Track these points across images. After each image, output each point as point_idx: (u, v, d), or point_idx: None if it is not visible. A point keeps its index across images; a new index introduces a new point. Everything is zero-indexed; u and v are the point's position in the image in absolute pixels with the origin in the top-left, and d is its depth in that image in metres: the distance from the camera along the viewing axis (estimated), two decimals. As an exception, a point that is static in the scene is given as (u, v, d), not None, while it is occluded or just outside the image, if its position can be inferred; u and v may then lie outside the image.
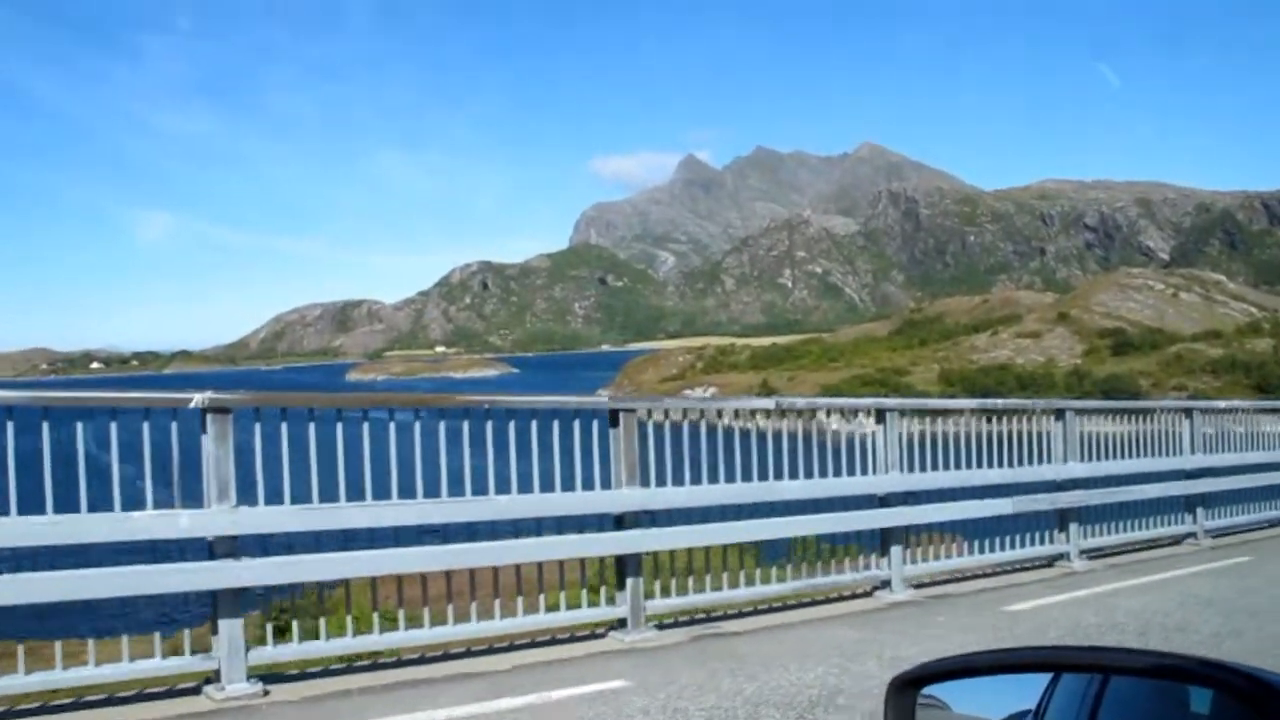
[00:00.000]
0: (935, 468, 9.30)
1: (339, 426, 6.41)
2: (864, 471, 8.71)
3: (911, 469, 9.07)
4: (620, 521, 7.33)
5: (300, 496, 6.23)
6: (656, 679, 6.23)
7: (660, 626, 7.69)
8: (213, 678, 6.02)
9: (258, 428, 6.26)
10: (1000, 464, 9.85)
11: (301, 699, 6.03)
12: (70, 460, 5.65)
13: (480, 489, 6.79)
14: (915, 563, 9.25)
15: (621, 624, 7.38)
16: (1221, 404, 13.14)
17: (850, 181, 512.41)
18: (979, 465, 9.64)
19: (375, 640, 6.59)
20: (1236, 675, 1.35)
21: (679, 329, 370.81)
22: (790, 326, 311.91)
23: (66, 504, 5.53)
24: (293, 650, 6.35)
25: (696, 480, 7.72)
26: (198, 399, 5.98)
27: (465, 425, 6.82)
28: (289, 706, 5.89)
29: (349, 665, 6.80)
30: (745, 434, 8.12)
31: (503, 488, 6.90)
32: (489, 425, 6.93)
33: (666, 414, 7.77)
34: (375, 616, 6.58)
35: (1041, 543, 10.46)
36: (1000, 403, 10.15)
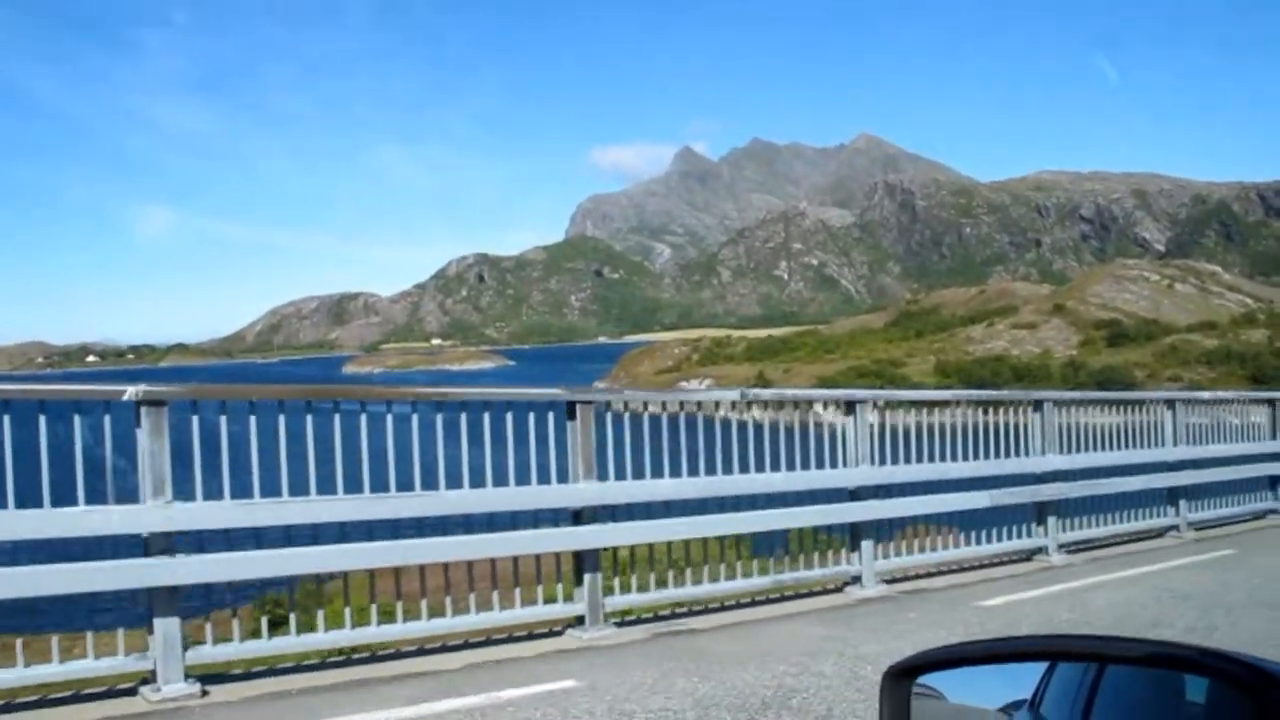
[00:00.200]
0: (909, 460, 9.09)
1: (281, 419, 6.20)
2: (833, 464, 8.50)
3: (884, 461, 8.86)
4: (578, 516, 7.13)
5: (260, 491, 6.05)
6: (608, 679, 6.03)
7: (620, 624, 7.49)
8: (149, 678, 5.82)
9: (195, 421, 6.05)
10: (976, 456, 9.64)
11: (241, 699, 5.83)
12: None
13: (430, 484, 6.58)
14: (888, 557, 9.04)
15: (580, 621, 7.18)
16: (1205, 394, 12.93)
17: (846, 173, 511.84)
18: (954, 458, 9.42)
19: (320, 639, 6.37)
20: (1234, 663, 1.34)
21: (675, 321, 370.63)
22: (786, 318, 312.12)
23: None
24: (233, 650, 6.14)
25: (658, 474, 7.50)
26: (131, 391, 5.76)
27: (414, 419, 6.61)
28: (226, 708, 5.69)
29: (297, 665, 6.59)
30: (727, 425, 7.92)
31: (456, 483, 6.68)
32: (439, 418, 6.71)
33: (645, 406, 7.58)
34: (319, 615, 6.37)
35: (1019, 536, 10.26)
36: (976, 394, 9.97)
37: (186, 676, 5.81)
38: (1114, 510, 11.43)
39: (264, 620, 6.14)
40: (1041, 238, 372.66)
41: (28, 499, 5.48)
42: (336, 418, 6.38)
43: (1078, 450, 10.89)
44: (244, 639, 6.19)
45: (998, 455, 9.84)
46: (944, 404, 9.45)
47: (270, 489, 6.12)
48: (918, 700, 1.63)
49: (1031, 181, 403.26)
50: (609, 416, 7.39)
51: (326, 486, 6.25)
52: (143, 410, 5.78)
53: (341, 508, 6.21)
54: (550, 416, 7.10)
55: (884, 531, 9.13)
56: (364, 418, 6.45)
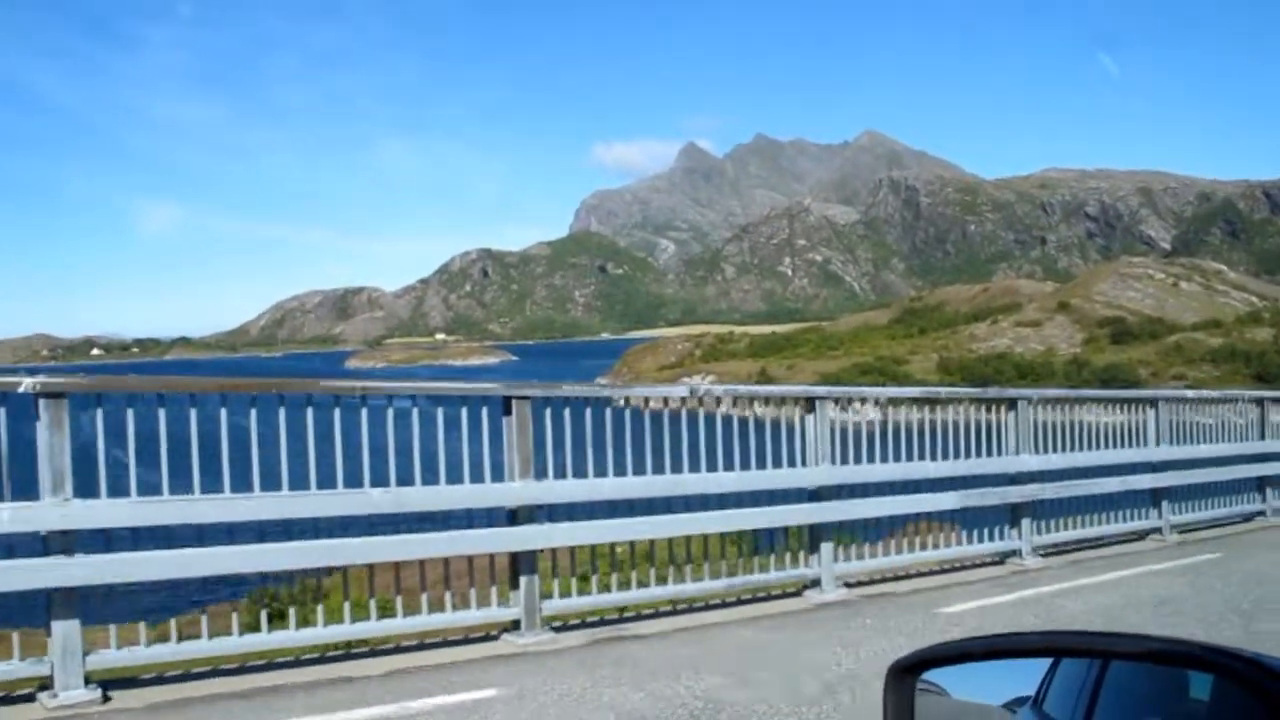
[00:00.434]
0: (873, 460, 8.74)
1: (192, 413, 5.89)
2: (792, 464, 8.15)
3: (846, 461, 8.52)
4: (514, 516, 6.80)
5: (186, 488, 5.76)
6: (532, 688, 5.71)
7: (558, 629, 7.16)
8: (47, 683, 5.51)
9: (100, 414, 5.73)
10: (946, 456, 9.28)
11: (145, 706, 5.52)
12: None
13: (354, 481, 6.25)
14: (849, 560, 8.70)
15: (516, 626, 6.85)
16: (1190, 393, 12.56)
17: (851, 170, 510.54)
18: (922, 457, 9.07)
19: (235, 643, 6.06)
20: (1238, 660, 1.33)
21: (679, 317, 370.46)
22: (790, 315, 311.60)
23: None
24: (139, 655, 5.82)
25: (621, 472, 7.17)
26: (28, 383, 5.45)
27: (336, 413, 6.28)
28: (125, 715, 5.38)
29: (215, 669, 6.27)
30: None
31: (383, 480, 6.36)
32: (364, 413, 6.39)
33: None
34: (234, 618, 6.05)
35: (992, 539, 9.91)
36: (945, 391, 9.60)
37: (87, 682, 5.50)
38: (1094, 512, 11.08)
39: (112, 629, 5.75)
40: (1046, 235, 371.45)
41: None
42: (254, 414, 6.06)
43: (1057, 450, 10.54)
44: (150, 643, 5.87)
45: (969, 455, 9.48)
46: (909, 401, 9.10)
47: (212, 486, 5.83)
48: (921, 697, 1.62)
49: (1036, 179, 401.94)
50: (554, 413, 7.04)
51: (270, 482, 5.97)
52: (41, 403, 5.47)
53: (259, 505, 5.88)
54: (485, 412, 6.77)
55: (848, 533, 8.80)
56: (282, 412, 6.13)
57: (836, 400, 8.51)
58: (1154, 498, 11.65)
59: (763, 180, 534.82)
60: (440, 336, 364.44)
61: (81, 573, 5.45)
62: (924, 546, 9.37)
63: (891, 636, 6.93)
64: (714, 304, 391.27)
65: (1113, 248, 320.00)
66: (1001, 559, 10.09)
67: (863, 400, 9.14)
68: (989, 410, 9.85)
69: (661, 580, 7.61)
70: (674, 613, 7.88)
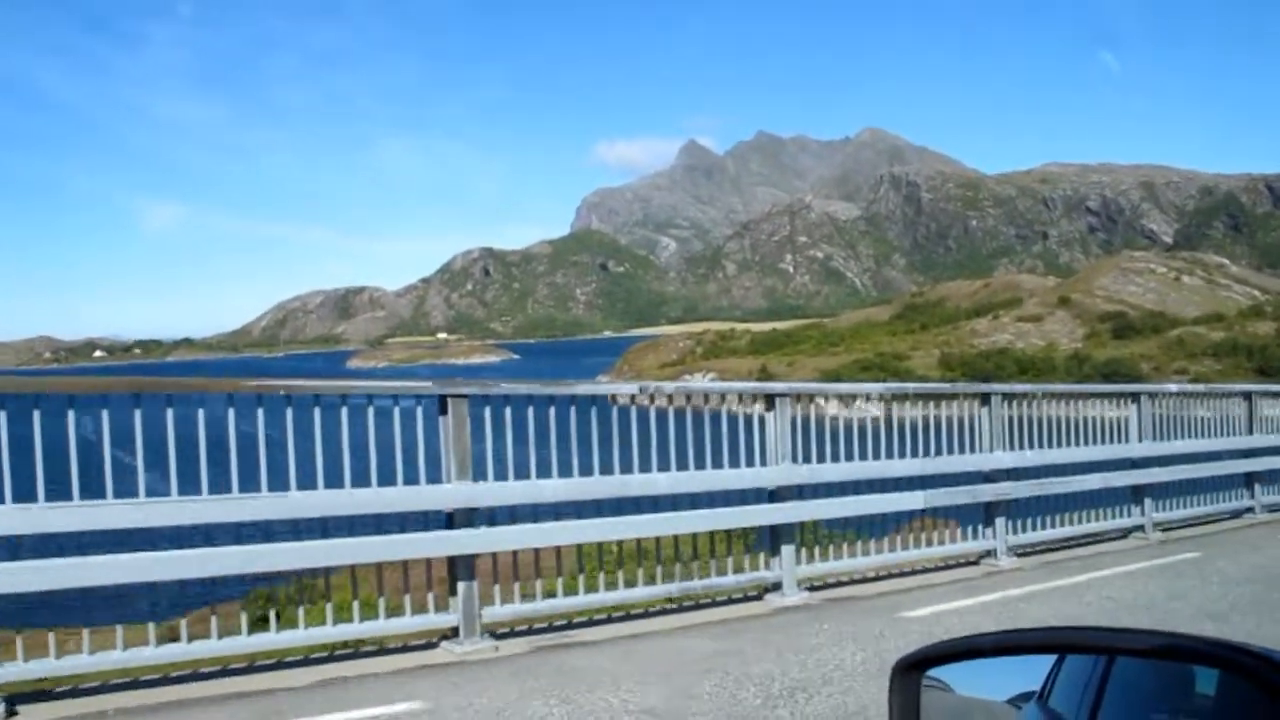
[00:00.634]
0: (839, 458, 8.43)
1: (136, 415, 5.64)
2: (750, 463, 7.86)
3: (808, 459, 8.22)
4: (451, 520, 6.52)
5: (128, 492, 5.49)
6: (456, 700, 5.43)
7: (503, 636, 6.89)
8: (-48, 700, 5.24)
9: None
10: (916, 454, 8.98)
11: (53, 720, 5.27)
12: None
13: (280, 484, 5.97)
14: (813, 562, 8.41)
15: (455, 633, 6.57)
16: (1173, 387, 12.24)
17: (852, 166, 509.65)
18: (889, 455, 8.77)
19: (152, 654, 5.77)
20: (1246, 655, 1.32)
21: (681, 314, 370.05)
22: (792, 311, 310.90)
23: None
24: (53, 666, 5.55)
25: (546, 474, 6.89)
26: None
27: (260, 413, 6.01)
28: (29, 732, 5.13)
29: (134, 680, 5.99)
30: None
31: (310, 482, 6.08)
32: (289, 412, 6.10)
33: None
34: (150, 628, 5.78)
35: (965, 539, 9.62)
36: (913, 387, 9.30)
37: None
38: (1073, 510, 10.78)
39: (18, 641, 5.43)
40: (1048, 230, 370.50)
41: None
42: (170, 414, 5.78)
43: (1033, 447, 10.24)
44: (60, 656, 5.58)
45: (939, 452, 9.19)
46: (875, 397, 8.81)
47: (130, 491, 5.55)
48: (927, 693, 1.61)
49: (1038, 174, 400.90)
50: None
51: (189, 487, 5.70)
52: None
53: (170, 511, 5.59)
54: (420, 411, 6.49)
55: (811, 534, 8.51)
56: (201, 414, 5.85)
57: (797, 397, 8.22)
58: (1136, 495, 11.35)
59: (764, 177, 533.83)
60: (442, 335, 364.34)
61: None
62: (893, 547, 9.07)
63: (846, 644, 6.64)
64: (715, 301, 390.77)
65: (1114, 242, 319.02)
66: (976, 559, 9.81)
67: (825, 397, 8.84)
68: (960, 406, 9.57)
69: (611, 585, 7.32)
70: (628, 618, 7.61)
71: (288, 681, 5.94)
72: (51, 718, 5.31)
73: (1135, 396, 11.41)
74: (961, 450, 9.42)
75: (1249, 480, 12.83)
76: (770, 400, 7.96)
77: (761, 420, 7.97)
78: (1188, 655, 1.43)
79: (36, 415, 5.34)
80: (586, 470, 7.05)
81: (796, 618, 7.57)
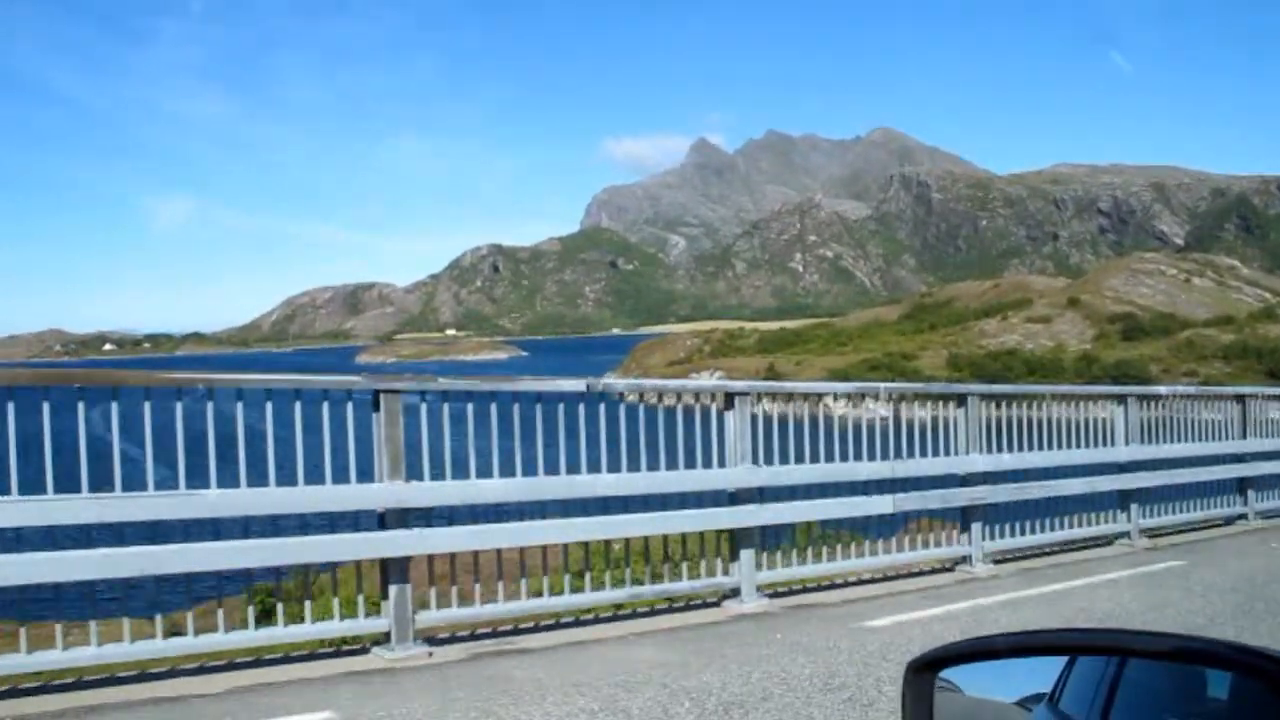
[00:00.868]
0: (803, 460, 8.11)
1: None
2: (707, 464, 7.55)
3: (771, 461, 7.90)
4: (382, 520, 6.23)
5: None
6: (373, 709, 5.13)
7: (441, 641, 6.60)
8: None
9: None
10: (887, 456, 8.65)
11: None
12: None
13: (200, 482, 5.69)
14: (775, 568, 8.09)
15: (388, 639, 6.28)
16: (1163, 389, 11.87)
17: (862, 165, 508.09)
18: (857, 457, 8.45)
19: (57, 658, 5.49)
20: (1260, 658, 1.31)
21: (689, 313, 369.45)
22: (801, 310, 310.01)
23: None
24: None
25: (488, 473, 6.59)
26: None
27: (179, 407, 5.72)
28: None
29: (43, 685, 5.71)
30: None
31: (232, 480, 5.79)
32: (210, 407, 5.82)
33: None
34: (58, 630, 5.49)
35: (939, 544, 9.29)
36: (884, 386, 8.96)
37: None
38: (1057, 515, 10.44)
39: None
40: (1058, 231, 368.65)
41: None
42: (81, 407, 5.50)
43: (1014, 450, 9.91)
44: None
45: (910, 454, 8.86)
46: (841, 397, 8.50)
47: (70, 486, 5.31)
48: (938, 694, 1.60)
49: (1048, 174, 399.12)
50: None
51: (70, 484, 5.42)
52: None
53: (75, 508, 5.31)
54: (350, 407, 6.20)
55: (774, 539, 8.20)
56: (115, 407, 5.58)
57: (760, 396, 7.90)
58: (1122, 500, 11.00)
59: (774, 176, 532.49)
60: (450, 332, 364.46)
61: None
62: (861, 553, 8.74)
63: (796, 655, 6.33)
64: (725, 300, 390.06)
65: (1125, 243, 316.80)
66: (951, 566, 9.48)
67: (789, 396, 8.53)
68: (934, 407, 9.25)
69: (557, 590, 7.02)
70: (578, 624, 7.31)
71: (203, 688, 5.66)
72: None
73: (1122, 398, 11.06)
74: (935, 453, 9.09)
75: (1242, 485, 12.47)
76: (730, 399, 7.65)
77: (721, 420, 7.66)
78: (1201, 658, 1.42)
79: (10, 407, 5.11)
80: (530, 470, 6.75)
81: (751, 626, 7.26)
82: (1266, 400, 12.79)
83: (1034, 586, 8.66)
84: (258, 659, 6.29)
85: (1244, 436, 12.47)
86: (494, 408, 6.66)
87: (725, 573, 7.78)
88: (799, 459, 8.06)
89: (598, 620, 7.43)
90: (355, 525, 6.03)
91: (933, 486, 9.00)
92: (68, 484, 5.41)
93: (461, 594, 6.67)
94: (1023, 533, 10.07)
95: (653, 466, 7.26)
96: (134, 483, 5.57)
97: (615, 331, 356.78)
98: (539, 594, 6.92)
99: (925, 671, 1.63)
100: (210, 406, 5.79)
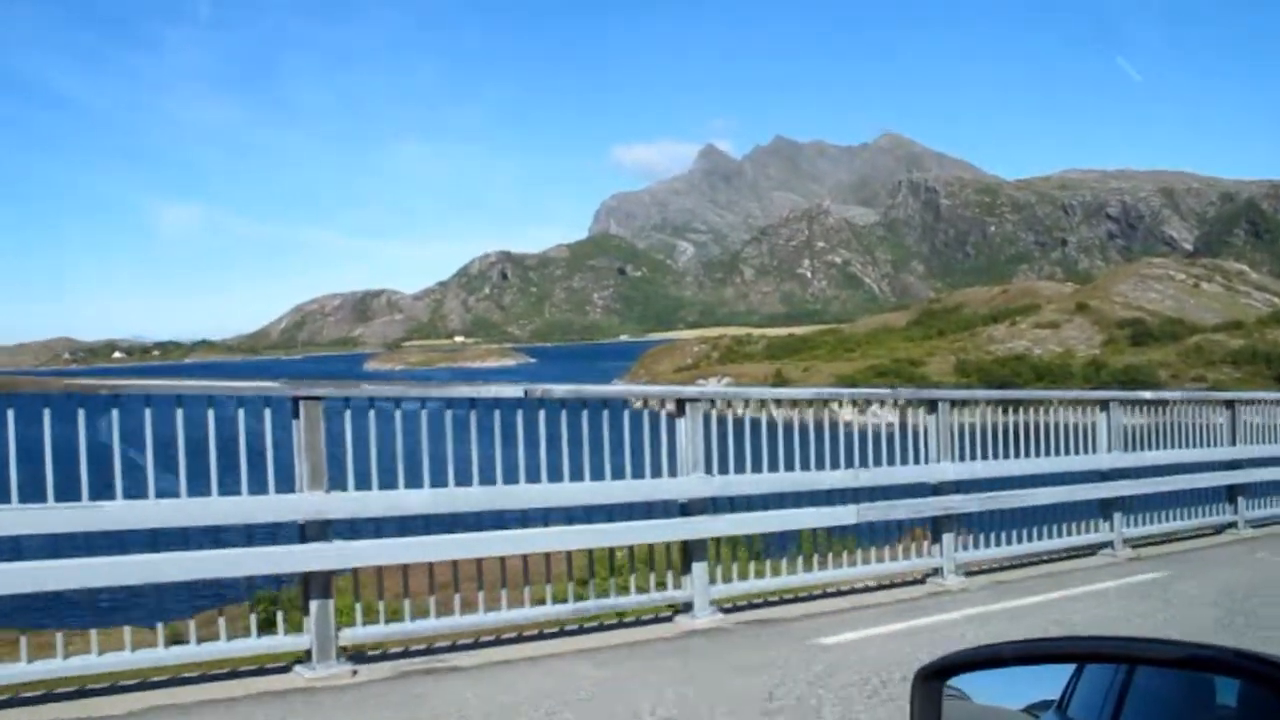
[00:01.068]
0: (761, 468, 7.79)
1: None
2: (656, 474, 7.24)
3: (726, 469, 7.59)
4: (304, 533, 5.94)
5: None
6: (272, 739, 4.85)
7: (369, 659, 6.31)
8: None
9: None
10: (850, 464, 8.31)
11: None
12: None
13: (102, 492, 5.41)
14: (731, 581, 7.77)
15: (309, 656, 5.99)
16: (1148, 394, 11.52)
17: (870, 171, 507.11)
18: (820, 466, 8.12)
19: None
20: (1268, 665, 1.31)
21: (698, 319, 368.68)
22: (809, 316, 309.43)
23: None
24: None
25: (416, 483, 6.30)
26: None
27: (81, 414, 5.44)
28: None
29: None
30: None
31: (140, 491, 5.51)
32: (115, 414, 5.54)
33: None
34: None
35: (908, 556, 8.96)
36: (848, 392, 8.65)
37: None
38: (1036, 525, 10.09)
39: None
40: (1067, 237, 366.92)
41: None
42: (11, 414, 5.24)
43: (995, 457, 9.58)
44: None
45: (878, 463, 8.53)
46: (803, 403, 8.17)
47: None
48: (945, 702, 1.60)
49: (1057, 180, 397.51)
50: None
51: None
52: None
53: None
54: (269, 413, 5.92)
55: (730, 550, 7.88)
56: (10, 414, 5.30)
57: (714, 402, 7.59)
58: (1105, 509, 10.65)
59: (782, 182, 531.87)
60: (459, 339, 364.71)
61: None
62: (825, 565, 8.40)
63: (739, 675, 6.01)
64: (733, 306, 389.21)
65: (1134, 249, 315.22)
66: (922, 578, 9.15)
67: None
68: (905, 413, 8.93)
69: (494, 605, 6.71)
70: (520, 639, 7.00)
71: (110, 708, 5.37)
72: None
73: (1105, 404, 10.70)
74: (905, 462, 8.76)
75: (1231, 493, 12.10)
76: (681, 405, 7.34)
77: (673, 427, 7.36)
78: (1209, 665, 1.42)
79: None
80: (464, 479, 6.45)
81: (700, 642, 6.95)
82: (1256, 405, 12.42)
83: (1004, 600, 8.32)
84: (174, 677, 6.01)
85: (1234, 443, 12.12)
86: (424, 414, 6.36)
87: (677, 586, 7.47)
88: (757, 468, 7.75)
89: (542, 636, 7.12)
90: (248, 539, 5.73)
91: (902, 496, 8.66)
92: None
93: (391, 610, 6.38)
94: (998, 543, 9.74)
95: (597, 475, 6.96)
96: (31, 494, 5.29)
97: (624, 338, 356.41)
98: (473, 610, 6.61)
99: (933, 679, 1.62)
100: (115, 415, 5.52)
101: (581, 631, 7.26)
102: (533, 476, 6.69)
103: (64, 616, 5.72)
